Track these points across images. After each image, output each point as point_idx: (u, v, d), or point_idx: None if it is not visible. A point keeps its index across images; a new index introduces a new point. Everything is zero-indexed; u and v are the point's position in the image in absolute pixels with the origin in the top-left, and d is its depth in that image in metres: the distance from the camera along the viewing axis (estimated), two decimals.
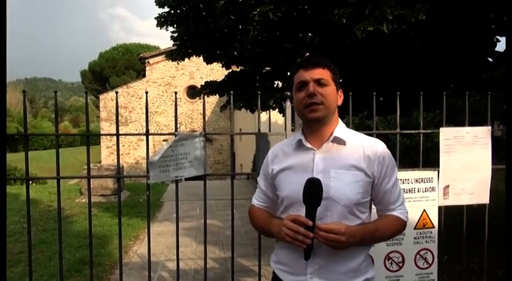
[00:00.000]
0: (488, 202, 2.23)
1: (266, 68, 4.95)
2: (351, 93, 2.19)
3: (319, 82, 1.34)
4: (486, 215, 2.28)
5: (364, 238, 1.32)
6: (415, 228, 2.18)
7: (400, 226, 1.42)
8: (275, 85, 5.03)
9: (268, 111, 2.31)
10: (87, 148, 1.96)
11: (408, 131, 2.39)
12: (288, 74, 5.26)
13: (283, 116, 2.05)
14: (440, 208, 2.18)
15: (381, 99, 4.64)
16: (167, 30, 4.49)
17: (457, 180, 2.17)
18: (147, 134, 2.00)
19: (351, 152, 1.35)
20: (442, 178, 2.17)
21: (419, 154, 2.21)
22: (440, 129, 2.16)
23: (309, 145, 1.38)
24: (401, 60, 4.33)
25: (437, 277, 2.21)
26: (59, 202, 1.97)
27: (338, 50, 4.31)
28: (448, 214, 2.25)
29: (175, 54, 4.64)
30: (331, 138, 1.35)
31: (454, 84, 5.59)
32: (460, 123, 2.26)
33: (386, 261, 2.15)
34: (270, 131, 2.13)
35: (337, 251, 1.29)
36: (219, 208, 8.07)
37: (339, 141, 1.36)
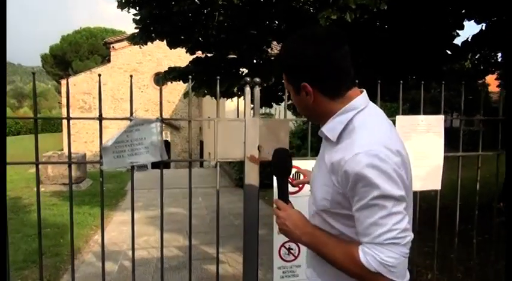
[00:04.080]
0: (440, 188, 2.30)
1: (231, 55, 4.89)
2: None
3: None
4: (438, 201, 2.36)
5: (311, 243, 1.12)
6: None
7: (352, 263, 1.00)
8: (240, 72, 4.99)
9: (237, 99, 2.29)
10: (35, 133, 1.86)
11: None
12: (254, 61, 5.24)
13: (246, 102, 2.03)
14: None
15: None
16: (129, 12, 4.33)
17: (411, 167, 2.22)
18: (100, 118, 1.92)
19: (334, 152, 1.07)
20: None
21: None
22: (397, 117, 2.21)
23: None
24: (364, 51, 4.39)
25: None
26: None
27: None
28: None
29: (138, 38, 4.49)
30: (321, 133, 1.15)
31: (415, 75, 5.74)
32: (419, 113, 2.31)
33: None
34: (238, 117, 2.10)
35: None
36: (184, 196, 8.00)
37: (326, 137, 1.13)
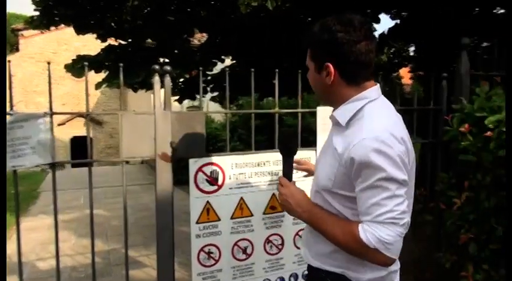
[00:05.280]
0: None
1: (149, 43, 4.55)
2: (237, 69, 2.02)
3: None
4: None
5: (311, 220, 1.21)
6: None
7: (352, 239, 1.07)
8: (160, 62, 4.66)
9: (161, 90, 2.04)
10: None
11: (285, 110, 2.34)
12: (176, 51, 4.94)
13: (156, 93, 1.81)
14: None
15: (274, 81, 4.63)
16: None
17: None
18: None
19: (343, 136, 1.14)
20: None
21: (298, 133, 2.16)
22: (317, 108, 2.14)
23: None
24: (288, 41, 4.33)
25: None
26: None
27: (225, 26, 4.14)
28: None
29: (38, 22, 3.95)
30: (331, 117, 1.23)
31: None
32: None
33: (267, 245, 2.08)
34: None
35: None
36: (106, 196, 7.45)
37: (338, 121, 1.19)
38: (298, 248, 2.16)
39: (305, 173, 1.78)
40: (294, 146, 1.34)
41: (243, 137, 11.29)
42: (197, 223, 1.92)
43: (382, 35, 4.37)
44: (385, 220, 1.04)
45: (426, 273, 2.58)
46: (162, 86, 1.87)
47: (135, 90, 4.63)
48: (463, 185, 2.16)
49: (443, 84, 2.51)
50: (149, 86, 4.36)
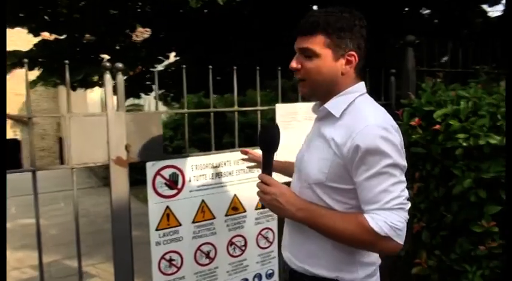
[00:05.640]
0: None
1: (88, 38, 4.25)
2: (184, 66, 1.94)
3: (305, 53, 1.15)
4: None
5: (308, 217, 1.11)
6: (256, 208, 2.11)
7: (363, 231, 1.03)
8: (101, 58, 4.38)
9: (101, 89, 1.89)
10: None
11: (245, 109, 2.30)
12: (117, 47, 4.68)
13: (108, 93, 1.67)
14: None
15: (218, 78, 4.56)
16: None
17: (291, 155, 2.16)
18: None
19: (336, 127, 1.13)
20: (280, 154, 2.13)
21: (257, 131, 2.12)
22: (276, 105, 2.12)
23: (315, 113, 1.29)
24: (240, 38, 4.29)
25: (278, 254, 2.21)
26: None
27: (172, 22, 3.99)
28: None
29: None
30: (323, 109, 1.19)
31: (283, 64, 5.94)
32: (288, 101, 2.26)
33: (230, 247, 2.03)
34: (104, 110, 1.71)
35: (298, 225, 1.17)
36: (43, 203, 6.88)
37: (330, 113, 1.17)
38: (261, 248, 2.13)
39: (253, 164, 1.77)
40: (276, 141, 1.25)
41: (188, 135, 11.08)
42: (157, 229, 1.82)
43: None
44: (394, 206, 1.03)
45: (382, 261, 2.68)
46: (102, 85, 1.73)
47: (73, 89, 4.31)
48: (414, 177, 2.26)
49: (392, 80, 2.62)
50: (90, 85, 4.09)
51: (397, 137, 1.08)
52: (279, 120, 2.11)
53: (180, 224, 1.87)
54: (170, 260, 1.86)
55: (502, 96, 2.08)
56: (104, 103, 1.69)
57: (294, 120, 2.16)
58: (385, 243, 1.03)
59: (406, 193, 1.07)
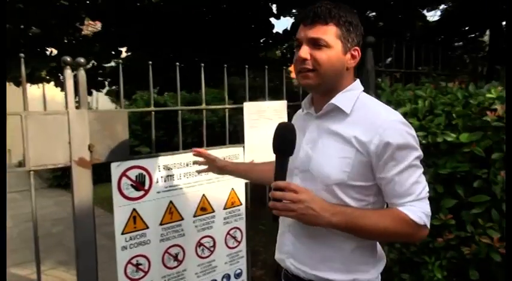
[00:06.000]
0: None
1: (34, 30, 3.95)
2: (150, 62, 1.86)
3: (315, 43, 1.09)
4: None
5: (346, 221, 1.05)
6: (224, 208, 2.08)
7: (405, 224, 1.05)
8: (48, 52, 4.10)
9: (42, 85, 1.75)
10: None
11: (214, 107, 2.25)
12: (65, 40, 4.40)
13: (61, 90, 1.56)
14: (246, 184, 2.15)
15: (173, 75, 4.45)
16: None
17: (260, 154, 2.16)
18: None
19: (349, 124, 1.10)
20: (247, 153, 2.13)
21: (226, 130, 2.10)
22: (244, 104, 2.10)
23: (306, 110, 1.25)
24: (190, 35, 4.21)
25: (246, 252, 2.20)
26: None
27: (124, 16, 3.82)
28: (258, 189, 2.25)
29: None
30: (329, 105, 1.15)
31: (235, 62, 5.94)
32: (240, 99, 2.26)
33: (198, 248, 1.98)
34: (45, 109, 1.60)
35: (311, 229, 1.11)
36: None
37: (338, 109, 1.13)
38: (229, 248, 2.11)
39: (205, 167, 1.65)
40: (294, 143, 1.11)
41: (137, 133, 10.72)
42: (123, 233, 1.73)
43: (285, 30, 4.52)
44: (426, 195, 1.09)
45: None
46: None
47: (17, 85, 3.99)
48: None
49: None
50: (38, 80, 3.81)
51: (414, 130, 1.11)
52: (247, 118, 2.10)
53: (148, 227, 1.80)
54: (137, 265, 1.78)
55: (455, 96, 2.22)
56: (65, 100, 1.58)
57: (261, 118, 2.16)
58: (422, 231, 1.09)
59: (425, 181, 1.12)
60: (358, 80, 1.20)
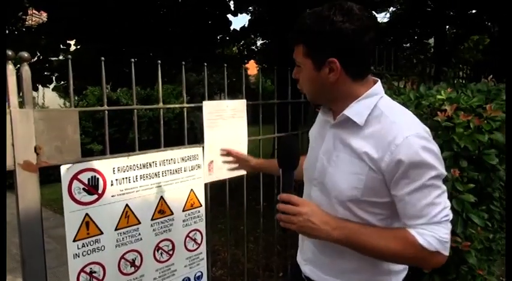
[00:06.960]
0: (246, 173, 2.29)
1: None
2: (103, 58, 1.76)
3: (296, 64, 1.11)
4: (244, 185, 2.37)
5: (347, 236, 1.02)
6: (183, 210, 2.02)
7: (412, 248, 0.97)
8: None
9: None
10: None
11: (173, 106, 2.18)
12: (7, 32, 4.08)
13: (12, 86, 1.43)
14: (206, 184, 2.10)
15: (127, 70, 4.29)
16: None
17: (220, 154, 2.12)
18: None
19: (363, 138, 1.04)
20: (206, 153, 2.08)
21: (184, 129, 2.03)
22: (203, 103, 2.04)
23: (324, 116, 1.18)
24: (140, 29, 4.07)
25: (206, 254, 2.16)
26: None
27: (72, 6, 3.61)
28: (214, 188, 2.20)
29: None
30: (342, 116, 1.08)
31: (191, 59, 5.84)
32: (195, 95, 2.22)
33: (156, 253, 1.92)
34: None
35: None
36: None
37: (352, 121, 1.06)
38: (189, 250, 2.05)
39: (235, 166, 1.80)
40: (298, 157, 1.11)
41: (88, 130, 10.32)
42: (75, 240, 1.63)
43: (243, 28, 4.50)
44: (442, 219, 0.99)
45: None
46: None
47: None
48: None
49: None
50: None
51: (436, 144, 1.01)
52: (206, 118, 2.05)
53: (102, 233, 1.71)
54: (91, 273, 1.68)
55: (408, 97, 2.30)
56: (6, 99, 1.45)
57: (220, 118, 2.12)
58: (434, 258, 0.99)
59: (449, 203, 1.02)
60: (378, 83, 1.10)
